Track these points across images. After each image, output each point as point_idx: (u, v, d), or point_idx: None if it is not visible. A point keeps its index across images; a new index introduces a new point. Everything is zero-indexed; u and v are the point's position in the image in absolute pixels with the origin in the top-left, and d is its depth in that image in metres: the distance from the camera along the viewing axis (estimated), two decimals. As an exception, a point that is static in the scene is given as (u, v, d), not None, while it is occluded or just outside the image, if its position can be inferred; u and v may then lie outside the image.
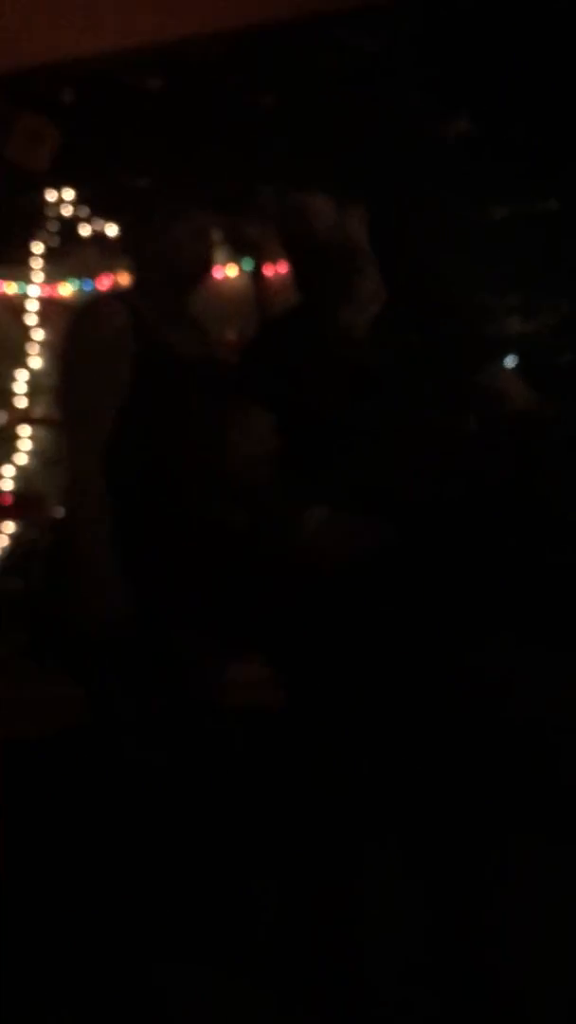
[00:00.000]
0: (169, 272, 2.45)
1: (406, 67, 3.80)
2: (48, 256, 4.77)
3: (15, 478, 4.71)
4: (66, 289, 4.83)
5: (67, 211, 4.62)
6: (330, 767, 2.15)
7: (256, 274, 4.41)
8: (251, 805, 2.46)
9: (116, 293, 3.44)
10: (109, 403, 2.33)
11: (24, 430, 4.75)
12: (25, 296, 4.80)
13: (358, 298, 2.22)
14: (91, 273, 4.77)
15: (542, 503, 2.20)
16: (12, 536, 4.49)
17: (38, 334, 4.80)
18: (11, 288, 4.84)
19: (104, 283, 4.69)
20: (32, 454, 4.75)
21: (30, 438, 4.75)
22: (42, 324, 4.80)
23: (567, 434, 2.15)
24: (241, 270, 4.61)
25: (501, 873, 2.12)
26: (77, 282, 4.83)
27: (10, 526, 4.52)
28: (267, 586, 2.15)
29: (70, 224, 4.65)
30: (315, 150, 3.64)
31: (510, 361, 2.74)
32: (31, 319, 4.81)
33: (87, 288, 4.79)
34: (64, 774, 2.88)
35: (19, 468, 4.72)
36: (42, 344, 4.78)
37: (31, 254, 4.75)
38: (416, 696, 2.10)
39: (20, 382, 4.77)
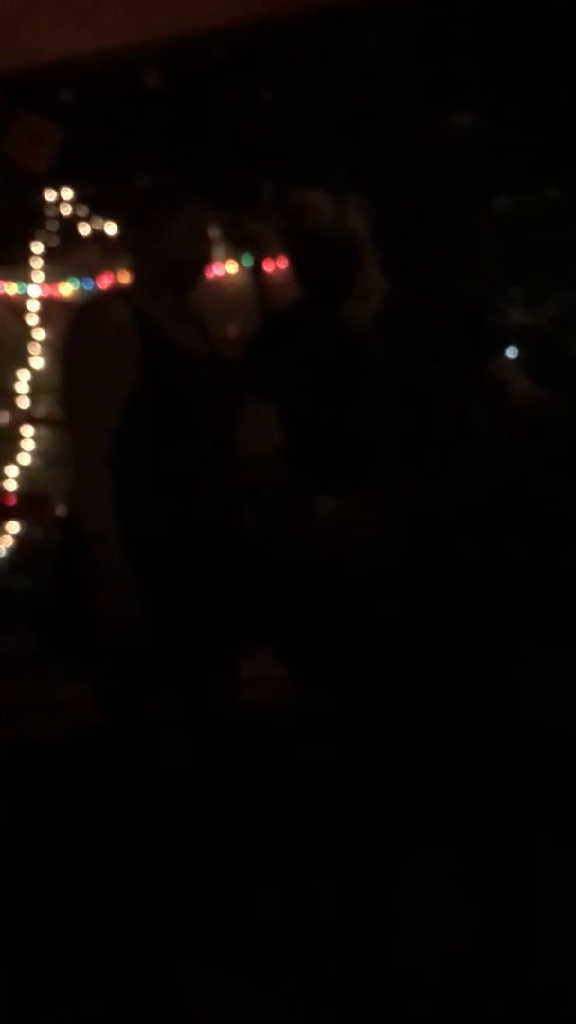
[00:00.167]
0: (168, 267, 2.45)
1: (406, 61, 3.80)
2: (48, 256, 4.77)
3: (19, 478, 4.71)
4: (67, 288, 4.83)
5: (67, 210, 4.62)
6: (353, 769, 2.14)
7: (256, 270, 4.42)
8: (268, 807, 2.47)
9: (117, 290, 3.44)
10: (113, 400, 2.33)
11: (27, 430, 4.75)
12: (26, 296, 4.80)
13: (359, 291, 2.21)
14: (91, 272, 4.76)
15: (546, 496, 2.20)
16: (17, 536, 4.50)
17: (39, 334, 4.80)
18: (12, 288, 4.84)
19: (105, 282, 4.68)
20: (35, 454, 4.75)
21: (33, 438, 4.76)
22: (43, 324, 4.80)
23: (571, 427, 2.14)
24: (241, 266, 4.60)
25: (534, 880, 2.12)
26: (78, 281, 4.83)
27: (15, 526, 4.52)
28: (279, 582, 2.14)
29: (70, 223, 4.65)
30: (315, 143, 3.64)
31: (512, 353, 2.74)
32: (32, 319, 4.81)
33: (87, 287, 4.79)
34: (71, 776, 2.89)
35: (23, 468, 4.73)
36: (43, 344, 4.78)
37: (31, 254, 4.75)
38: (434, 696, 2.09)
39: (22, 382, 4.77)
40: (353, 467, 2.08)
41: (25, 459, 4.73)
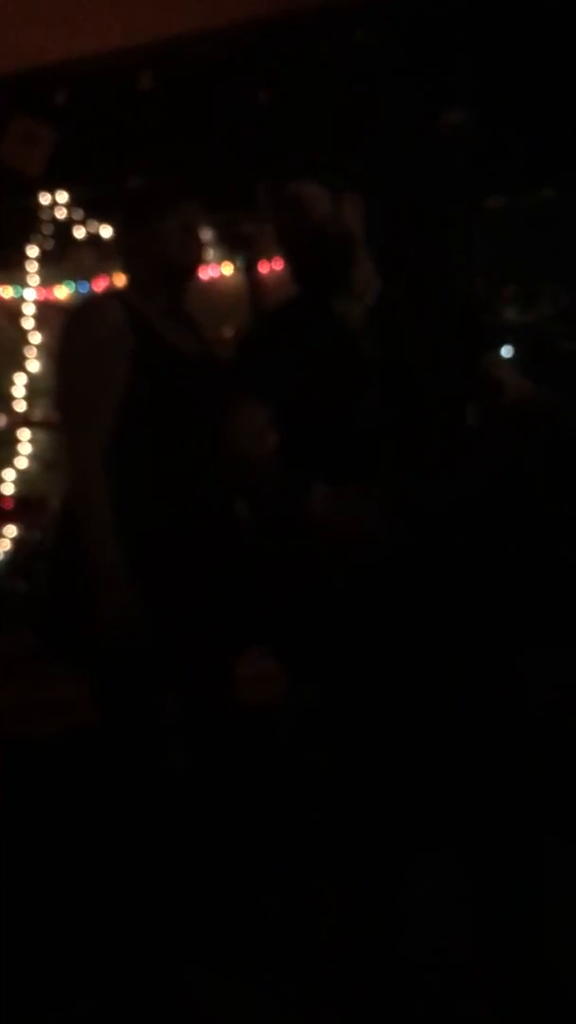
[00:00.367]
0: (161, 269, 2.45)
1: (401, 59, 3.80)
2: (44, 259, 4.77)
3: (16, 481, 4.71)
4: (62, 292, 4.83)
5: (62, 214, 4.63)
6: (352, 768, 2.13)
7: (250, 271, 4.42)
8: (268, 807, 2.46)
9: (111, 292, 3.44)
10: (107, 401, 2.33)
11: (24, 433, 4.75)
12: (22, 300, 4.80)
13: (354, 288, 2.21)
14: (87, 275, 4.76)
15: (541, 493, 2.20)
16: (15, 539, 4.50)
17: (35, 337, 4.80)
18: (7, 292, 4.84)
19: (100, 285, 4.68)
20: (32, 457, 4.75)
21: (30, 441, 4.76)
22: (39, 327, 4.80)
23: (567, 424, 2.14)
24: (235, 267, 4.61)
25: (534, 880, 2.11)
26: (73, 285, 4.82)
27: (12, 529, 4.52)
28: (276, 579, 2.14)
29: (65, 227, 4.66)
30: (310, 144, 3.64)
31: (507, 351, 2.74)
32: (28, 322, 4.81)
33: (83, 290, 4.78)
34: (71, 776, 2.89)
35: (19, 472, 4.72)
36: (40, 347, 4.78)
37: (27, 257, 4.75)
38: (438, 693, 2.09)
39: (19, 386, 4.77)
40: (348, 465, 2.08)
41: (22, 462, 4.73)
